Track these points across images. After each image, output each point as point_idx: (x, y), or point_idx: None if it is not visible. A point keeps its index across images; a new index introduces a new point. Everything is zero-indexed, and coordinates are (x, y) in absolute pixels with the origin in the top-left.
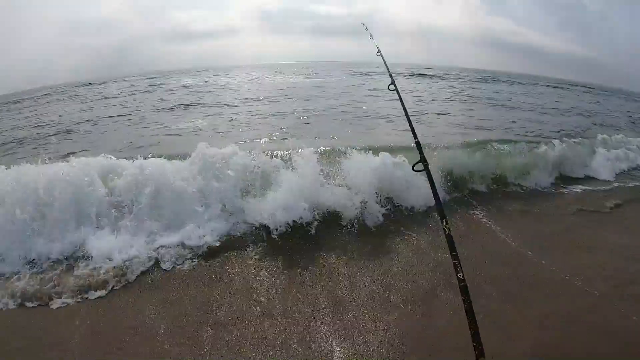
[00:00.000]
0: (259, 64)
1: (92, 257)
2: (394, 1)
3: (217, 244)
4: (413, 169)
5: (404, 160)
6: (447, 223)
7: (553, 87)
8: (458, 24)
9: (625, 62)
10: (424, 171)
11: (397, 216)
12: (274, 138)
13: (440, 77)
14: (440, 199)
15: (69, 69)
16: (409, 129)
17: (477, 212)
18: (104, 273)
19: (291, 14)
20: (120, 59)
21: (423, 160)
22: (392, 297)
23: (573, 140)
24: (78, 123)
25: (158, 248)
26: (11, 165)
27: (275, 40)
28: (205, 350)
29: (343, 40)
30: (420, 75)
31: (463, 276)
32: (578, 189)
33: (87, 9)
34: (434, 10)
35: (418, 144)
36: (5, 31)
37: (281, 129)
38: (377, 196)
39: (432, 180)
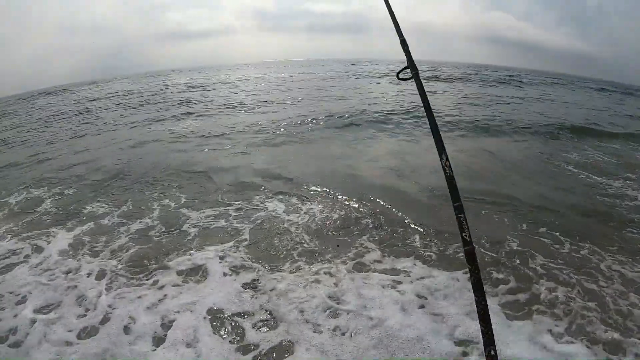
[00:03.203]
0: (255, 62)
1: None
2: None
3: None
4: (398, 76)
5: None
6: (447, 160)
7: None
8: (456, 20)
9: (623, 57)
10: (412, 79)
11: None
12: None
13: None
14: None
15: (64, 72)
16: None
17: None
18: None
19: (286, 13)
20: (116, 60)
21: (411, 65)
22: None
23: None
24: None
25: None
26: None
27: (271, 38)
28: None
29: (339, 38)
30: (433, 77)
31: (470, 237)
32: None
33: (80, 12)
34: (431, 7)
35: (404, 42)
36: None
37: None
38: None
39: (425, 94)
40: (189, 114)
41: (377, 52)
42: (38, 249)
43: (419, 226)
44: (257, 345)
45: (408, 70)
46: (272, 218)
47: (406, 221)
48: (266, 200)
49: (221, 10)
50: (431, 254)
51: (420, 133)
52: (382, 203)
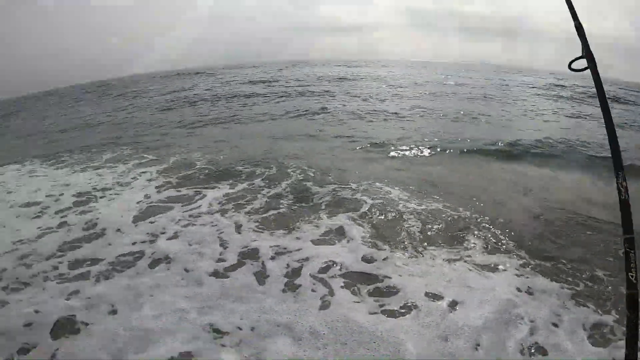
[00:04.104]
0: (403, 60)
1: None
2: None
3: None
4: (570, 67)
5: None
6: (624, 180)
7: None
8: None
9: None
10: (587, 69)
11: None
12: None
13: None
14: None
15: (214, 55)
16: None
17: None
18: None
19: (437, 12)
20: (265, 48)
21: (588, 54)
22: None
23: None
24: None
25: None
26: None
27: (420, 37)
28: None
29: (489, 42)
30: None
31: (637, 279)
32: None
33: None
34: (598, 13)
35: (579, 28)
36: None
37: None
38: None
39: (603, 93)
40: (326, 108)
41: (529, 60)
42: (190, 199)
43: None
44: (377, 306)
45: (583, 61)
46: (394, 204)
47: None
48: (391, 191)
49: (373, 6)
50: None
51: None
52: (509, 219)
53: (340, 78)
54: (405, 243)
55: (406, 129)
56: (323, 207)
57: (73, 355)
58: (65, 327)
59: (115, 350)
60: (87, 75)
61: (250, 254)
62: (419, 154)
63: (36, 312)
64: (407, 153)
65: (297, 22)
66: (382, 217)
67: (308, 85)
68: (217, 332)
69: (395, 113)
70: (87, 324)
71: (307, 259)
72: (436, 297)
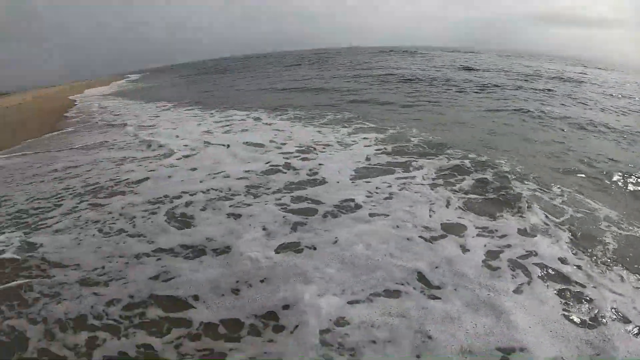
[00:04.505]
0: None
1: None
2: None
3: None
4: None
5: None
6: None
7: None
8: None
9: None
10: None
11: None
12: None
13: None
14: None
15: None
16: None
17: None
18: None
19: None
20: (488, 33)
21: None
22: None
23: None
24: None
25: None
26: None
27: None
28: None
29: None
30: None
31: None
32: None
33: None
34: None
35: None
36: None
37: None
38: None
39: None
40: (543, 108)
41: None
42: (405, 168)
43: None
44: (568, 307)
45: None
46: (597, 219)
47: None
48: (596, 208)
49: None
50: None
51: None
52: None
53: (562, 77)
54: (601, 259)
55: (624, 147)
56: (525, 202)
57: (292, 268)
58: (289, 247)
59: (331, 271)
60: (302, 42)
61: (454, 228)
62: (634, 180)
63: (263, 229)
64: (617, 175)
65: (526, 10)
66: (582, 228)
67: (527, 80)
68: (426, 284)
69: (619, 130)
70: (310, 248)
71: (508, 246)
72: (623, 319)
